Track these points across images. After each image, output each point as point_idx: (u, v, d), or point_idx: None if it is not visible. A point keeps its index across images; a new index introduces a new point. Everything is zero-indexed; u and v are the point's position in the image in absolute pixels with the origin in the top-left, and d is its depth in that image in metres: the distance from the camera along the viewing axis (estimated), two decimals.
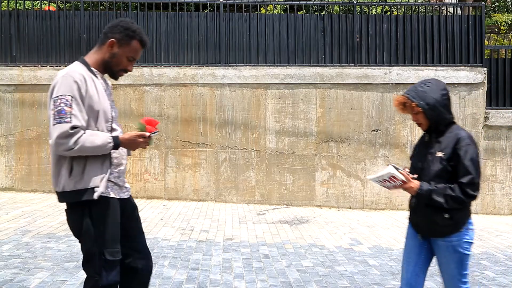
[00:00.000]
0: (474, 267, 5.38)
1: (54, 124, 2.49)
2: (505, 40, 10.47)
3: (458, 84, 8.82)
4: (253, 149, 8.73)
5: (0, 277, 4.30)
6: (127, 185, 2.83)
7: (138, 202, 8.28)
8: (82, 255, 2.70)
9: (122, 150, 2.77)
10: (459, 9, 10.41)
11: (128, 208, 2.82)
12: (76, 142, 2.48)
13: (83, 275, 4.45)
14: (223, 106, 8.75)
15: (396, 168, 2.85)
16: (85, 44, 8.83)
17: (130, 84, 8.69)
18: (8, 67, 8.69)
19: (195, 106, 8.72)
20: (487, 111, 8.86)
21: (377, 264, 5.30)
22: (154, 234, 6.14)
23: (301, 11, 9.25)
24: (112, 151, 2.67)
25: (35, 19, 8.87)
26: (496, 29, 11.77)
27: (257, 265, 5.06)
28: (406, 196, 9.34)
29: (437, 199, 2.79)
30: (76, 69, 2.60)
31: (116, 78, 2.79)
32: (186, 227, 6.60)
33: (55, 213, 7.04)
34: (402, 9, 9.47)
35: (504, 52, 9.58)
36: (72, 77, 2.54)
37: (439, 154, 2.83)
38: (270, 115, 8.76)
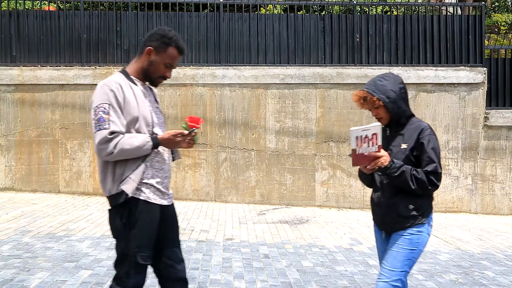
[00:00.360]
0: (474, 267, 5.38)
1: (94, 132, 2.61)
2: (505, 40, 10.47)
3: (458, 84, 8.82)
4: (253, 149, 8.73)
5: (0, 277, 4.30)
6: (170, 192, 2.84)
7: None
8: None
9: (165, 155, 2.79)
10: (459, 9, 10.42)
11: (168, 215, 2.84)
12: (115, 146, 2.56)
13: (83, 275, 4.46)
14: (223, 106, 8.75)
15: None
16: (85, 44, 8.83)
17: None
18: (8, 67, 8.69)
19: (195, 106, 8.72)
20: (487, 111, 8.86)
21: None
22: None
23: (301, 11, 9.25)
24: (154, 156, 2.72)
25: (35, 19, 8.87)
26: (496, 29, 11.76)
27: (257, 265, 5.06)
28: None
29: (406, 176, 2.75)
30: (113, 78, 2.72)
31: (155, 85, 2.85)
32: (186, 227, 6.60)
33: (55, 213, 7.04)
34: (402, 9, 9.47)
35: (504, 52, 9.58)
36: (108, 86, 2.66)
37: (403, 146, 2.83)
38: (270, 115, 8.76)
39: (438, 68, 8.87)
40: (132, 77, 2.78)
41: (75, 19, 8.89)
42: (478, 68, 8.86)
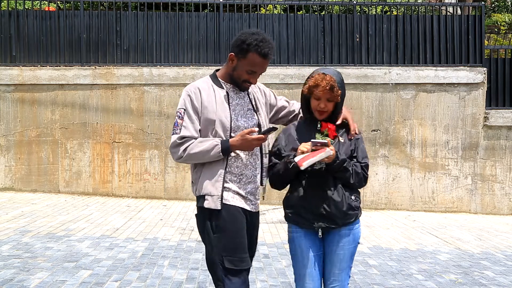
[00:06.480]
0: (474, 267, 5.38)
1: (170, 136, 2.73)
2: (504, 40, 10.47)
3: (458, 84, 8.82)
4: None
5: (0, 277, 4.30)
6: (252, 197, 2.74)
7: (137, 202, 8.29)
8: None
9: (247, 160, 2.71)
10: (459, 9, 10.42)
11: (250, 222, 2.74)
12: (184, 151, 2.62)
13: (83, 275, 4.46)
14: None
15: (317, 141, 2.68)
16: (85, 44, 8.83)
17: (129, 84, 8.68)
18: (8, 67, 8.68)
19: None
20: (487, 111, 8.86)
21: (377, 264, 5.30)
22: (154, 234, 6.14)
23: (301, 11, 9.26)
24: (234, 162, 2.67)
25: (35, 19, 8.86)
26: (496, 29, 11.76)
27: (257, 265, 5.06)
28: (406, 196, 9.23)
29: (350, 170, 2.72)
30: (195, 83, 2.78)
31: (242, 90, 2.79)
32: (186, 227, 6.61)
33: (55, 213, 7.04)
34: (402, 9, 9.47)
35: (504, 52, 9.58)
36: (187, 91, 2.74)
37: (341, 139, 2.77)
38: None
39: (438, 68, 8.87)
40: (220, 80, 2.77)
41: (74, 19, 8.88)
42: (478, 68, 8.86)
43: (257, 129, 2.65)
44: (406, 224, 7.59)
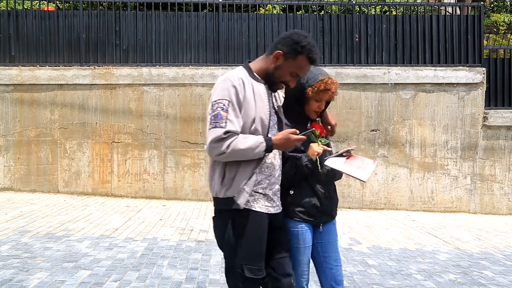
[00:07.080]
0: (473, 267, 5.39)
1: (209, 129, 2.46)
2: (504, 40, 10.48)
3: (457, 84, 8.83)
4: None
5: None
6: (275, 198, 2.66)
7: (137, 202, 8.29)
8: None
9: (275, 160, 2.64)
10: (458, 9, 10.42)
11: (276, 224, 2.67)
12: (228, 147, 2.42)
13: (82, 275, 4.46)
14: None
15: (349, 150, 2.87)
16: (84, 44, 8.82)
17: (129, 84, 8.68)
18: (7, 67, 8.68)
19: (194, 106, 8.72)
20: (486, 111, 8.87)
21: (376, 264, 5.30)
22: (153, 234, 6.14)
23: (300, 11, 9.25)
24: (264, 162, 2.58)
25: (34, 19, 8.85)
26: (495, 29, 11.77)
27: None
28: (405, 196, 9.23)
29: None
30: (236, 73, 2.58)
31: (274, 90, 2.68)
32: (185, 227, 6.61)
33: (54, 213, 7.03)
34: (401, 9, 9.47)
35: (503, 52, 9.58)
36: (231, 81, 2.52)
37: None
38: None
39: (437, 68, 8.88)
40: (255, 74, 2.63)
41: (74, 19, 8.88)
42: (477, 68, 8.87)
43: (296, 131, 2.56)
44: (405, 224, 7.60)
